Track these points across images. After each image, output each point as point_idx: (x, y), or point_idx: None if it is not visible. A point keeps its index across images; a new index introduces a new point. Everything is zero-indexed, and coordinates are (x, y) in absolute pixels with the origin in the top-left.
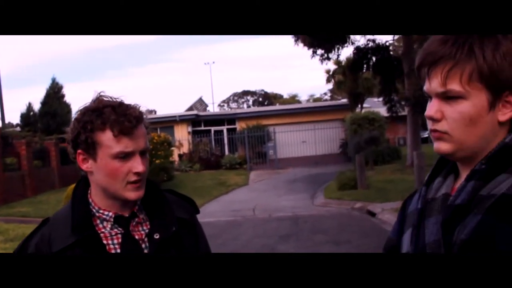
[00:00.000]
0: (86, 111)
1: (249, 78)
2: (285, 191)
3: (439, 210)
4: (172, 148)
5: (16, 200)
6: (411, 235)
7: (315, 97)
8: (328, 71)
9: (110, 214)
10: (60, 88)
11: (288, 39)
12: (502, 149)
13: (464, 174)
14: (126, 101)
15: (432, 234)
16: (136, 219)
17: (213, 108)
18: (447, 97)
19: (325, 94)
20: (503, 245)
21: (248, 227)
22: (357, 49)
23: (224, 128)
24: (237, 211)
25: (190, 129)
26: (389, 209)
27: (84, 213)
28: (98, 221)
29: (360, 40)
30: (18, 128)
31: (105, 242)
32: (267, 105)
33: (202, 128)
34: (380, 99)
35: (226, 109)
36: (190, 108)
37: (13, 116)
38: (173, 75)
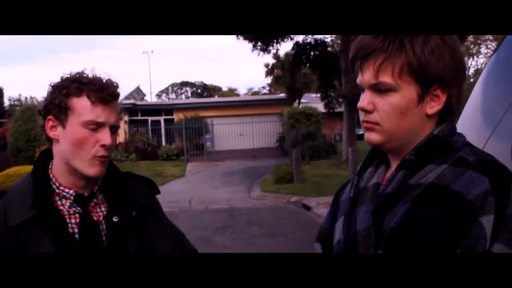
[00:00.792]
0: (64, 79)
1: (188, 69)
2: (222, 183)
3: (370, 199)
4: None
5: None
6: (343, 222)
7: (253, 90)
8: (267, 65)
9: (71, 192)
10: None
11: None
12: (431, 140)
13: (394, 164)
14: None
15: (363, 222)
16: (95, 200)
17: (150, 98)
18: (379, 89)
19: (264, 88)
20: (428, 231)
21: (184, 218)
22: (296, 44)
23: (162, 119)
24: (174, 202)
25: (126, 118)
26: (324, 203)
27: (45, 187)
28: (57, 198)
29: (299, 36)
30: None
31: None
32: (206, 97)
33: (139, 117)
34: (318, 95)
35: (164, 100)
36: (127, 97)
37: None
38: (110, 62)
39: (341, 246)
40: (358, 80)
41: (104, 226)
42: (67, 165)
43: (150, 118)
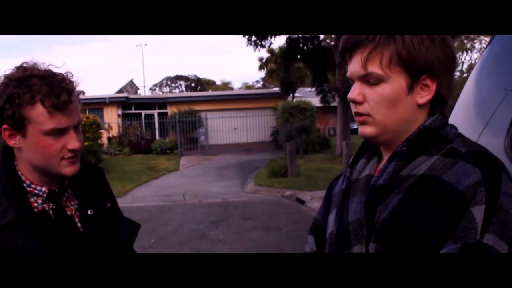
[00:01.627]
0: (9, 82)
1: (182, 63)
2: (216, 177)
3: (363, 190)
4: (101, 131)
5: None
6: (335, 214)
7: (247, 84)
8: (261, 59)
9: (43, 189)
10: None
11: None
12: (422, 131)
13: (386, 156)
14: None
15: (355, 213)
16: (66, 194)
17: (144, 92)
18: (368, 80)
19: (258, 82)
20: (418, 222)
21: (178, 212)
22: (289, 38)
23: (155, 112)
24: (167, 196)
25: (120, 112)
26: (318, 197)
27: (19, 187)
28: (29, 196)
29: None
30: None
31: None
32: (200, 90)
33: (133, 111)
34: (312, 89)
35: (158, 93)
36: (121, 91)
37: None
38: (104, 55)
39: (334, 238)
40: (348, 72)
41: (77, 220)
42: (37, 168)
43: (143, 112)
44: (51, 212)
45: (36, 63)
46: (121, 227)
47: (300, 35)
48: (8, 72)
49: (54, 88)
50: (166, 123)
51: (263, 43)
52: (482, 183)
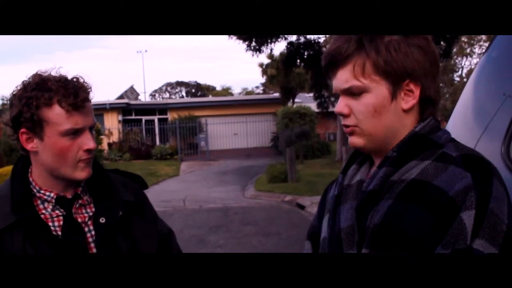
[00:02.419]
0: (27, 86)
1: (182, 69)
2: (216, 182)
3: (354, 196)
4: (102, 137)
5: None
6: (328, 220)
7: (247, 90)
8: (261, 65)
9: (52, 194)
10: None
11: None
12: (412, 137)
13: (377, 161)
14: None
15: (347, 220)
16: (80, 201)
17: (144, 97)
18: (352, 93)
19: (257, 87)
20: (409, 227)
21: (178, 217)
22: (290, 44)
23: (156, 118)
24: (168, 201)
25: (120, 117)
26: (318, 202)
27: (24, 192)
28: (38, 202)
29: (293, 35)
30: None
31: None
32: (200, 96)
33: (133, 117)
34: (312, 94)
35: (158, 99)
36: (121, 97)
37: None
38: (104, 62)
39: (326, 243)
40: (333, 87)
41: (91, 227)
42: (51, 171)
43: (144, 118)
44: (60, 218)
45: (47, 71)
46: (141, 234)
47: (300, 41)
48: (24, 79)
49: (70, 89)
50: (166, 128)
51: (262, 48)
52: (473, 187)
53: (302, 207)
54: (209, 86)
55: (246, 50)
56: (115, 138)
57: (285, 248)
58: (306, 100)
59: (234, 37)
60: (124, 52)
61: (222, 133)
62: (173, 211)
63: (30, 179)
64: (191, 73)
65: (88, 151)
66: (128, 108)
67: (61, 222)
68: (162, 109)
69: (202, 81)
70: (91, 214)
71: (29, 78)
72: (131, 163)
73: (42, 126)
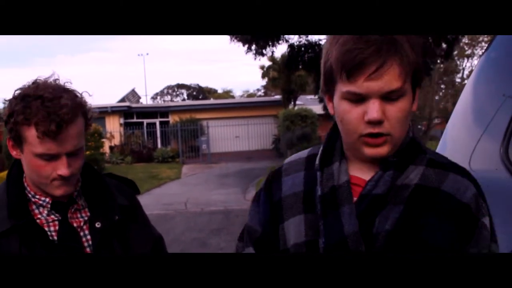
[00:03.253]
0: (17, 97)
1: (183, 72)
2: (217, 185)
3: (349, 198)
4: (103, 140)
5: None
6: (307, 224)
7: (249, 92)
8: (262, 67)
9: (47, 199)
10: None
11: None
12: (410, 142)
13: (353, 158)
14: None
15: (351, 225)
16: (75, 206)
17: (146, 100)
18: (389, 96)
19: (259, 90)
20: (430, 233)
21: (180, 220)
22: (291, 47)
23: (157, 121)
24: (169, 204)
25: (122, 121)
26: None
27: (20, 197)
28: (34, 207)
29: (294, 37)
30: None
31: None
32: (201, 99)
33: (135, 120)
34: (313, 96)
35: (160, 102)
36: (122, 100)
37: None
38: (105, 65)
39: (323, 251)
40: (358, 90)
41: (86, 232)
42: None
43: (145, 121)
44: (56, 223)
45: (49, 80)
46: (135, 239)
47: (301, 42)
48: (24, 84)
49: (51, 114)
50: (168, 131)
51: (264, 51)
52: (479, 195)
53: None
54: (210, 88)
55: (246, 53)
56: (116, 141)
57: None
58: (307, 102)
59: (235, 40)
60: (125, 55)
61: (223, 135)
62: (174, 214)
63: (25, 184)
64: (192, 76)
65: (61, 176)
66: (130, 111)
67: (57, 227)
68: (163, 112)
69: (203, 83)
70: (86, 218)
71: (26, 85)
72: (132, 166)
73: (21, 141)
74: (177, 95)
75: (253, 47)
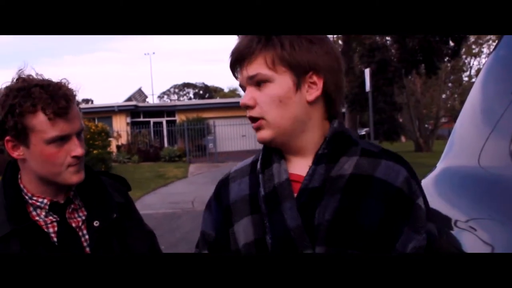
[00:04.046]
0: (9, 92)
1: (189, 71)
2: None
3: (290, 194)
4: (110, 139)
5: None
6: (254, 223)
7: None
8: None
9: (45, 201)
10: None
11: None
12: (337, 134)
13: (292, 158)
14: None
15: (293, 219)
16: (72, 206)
17: (152, 100)
18: (257, 82)
19: None
20: (365, 217)
21: (186, 219)
22: None
23: (164, 120)
24: (176, 203)
25: (128, 120)
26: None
27: (17, 200)
28: (31, 209)
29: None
30: None
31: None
32: (208, 98)
33: (141, 119)
34: None
35: (166, 101)
36: (129, 99)
37: None
38: (112, 64)
39: (271, 247)
40: (239, 82)
41: (84, 232)
42: (41, 178)
43: (152, 120)
44: (54, 224)
45: (31, 74)
46: (132, 237)
47: None
48: (6, 84)
49: (54, 95)
50: (174, 130)
51: None
52: (411, 177)
53: None
54: (216, 87)
55: None
56: (123, 140)
57: None
58: None
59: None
60: (131, 55)
61: (230, 134)
62: (181, 213)
63: (21, 185)
64: (198, 75)
65: (76, 157)
66: (136, 111)
67: (56, 228)
68: (170, 111)
69: (210, 82)
70: (83, 218)
71: (11, 83)
72: (139, 165)
73: (27, 134)
74: (183, 94)
75: None
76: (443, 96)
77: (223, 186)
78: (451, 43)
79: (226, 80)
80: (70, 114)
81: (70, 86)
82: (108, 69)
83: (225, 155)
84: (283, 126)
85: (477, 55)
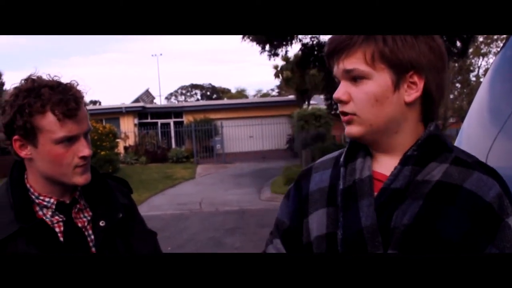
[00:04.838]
0: (19, 92)
1: (197, 72)
2: (232, 185)
3: (369, 192)
4: (118, 140)
5: None
6: (329, 216)
7: (262, 92)
8: (276, 67)
9: (52, 200)
10: None
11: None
12: (430, 137)
13: (379, 156)
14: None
15: (369, 218)
16: (78, 206)
17: (160, 101)
18: (353, 78)
19: (272, 90)
20: (447, 227)
21: (194, 220)
22: (304, 46)
23: (171, 121)
24: (184, 204)
25: (136, 121)
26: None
27: (24, 199)
28: (37, 208)
29: (307, 37)
30: None
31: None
32: (215, 99)
33: (149, 120)
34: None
35: (173, 102)
36: (137, 100)
37: None
38: (119, 65)
39: (340, 243)
40: (334, 73)
41: (90, 232)
42: (48, 178)
43: (159, 121)
44: (60, 224)
45: (41, 75)
46: (136, 237)
47: (314, 42)
48: (16, 84)
49: (64, 96)
50: (182, 132)
51: (277, 51)
52: (504, 194)
53: None
54: (223, 88)
55: (261, 53)
56: (131, 141)
57: None
58: (321, 102)
59: (248, 40)
60: (139, 56)
61: (237, 135)
62: (189, 214)
63: (28, 185)
64: (205, 76)
65: (83, 158)
66: (144, 112)
67: (62, 228)
68: (177, 112)
69: (217, 83)
70: (89, 218)
71: (20, 84)
72: (147, 166)
73: (36, 133)
74: (191, 95)
75: (267, 47)
76: (451, 96)
77: (304, 176)
78: (459, 44)
79: (233, 81)
80: (79, 115)
81: (79, 87)
82: (115, 70)
83: (232, 156)
84: (376, 125)
85: (485, 55)
